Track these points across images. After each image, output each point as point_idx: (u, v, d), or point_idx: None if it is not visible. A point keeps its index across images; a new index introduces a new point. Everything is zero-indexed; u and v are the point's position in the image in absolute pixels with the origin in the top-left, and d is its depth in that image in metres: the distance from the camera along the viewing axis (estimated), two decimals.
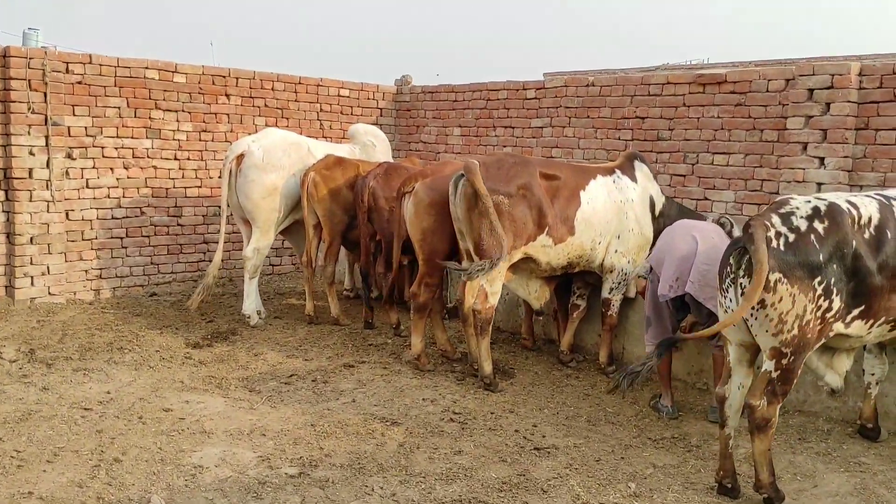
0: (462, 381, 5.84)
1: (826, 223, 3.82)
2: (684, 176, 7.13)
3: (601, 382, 5.96)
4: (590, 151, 7.83)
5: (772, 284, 3.73)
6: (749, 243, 3.75)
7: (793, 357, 3.85)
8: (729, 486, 4.15)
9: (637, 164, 6.03)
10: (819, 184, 6.14)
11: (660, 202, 6.02)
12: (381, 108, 10.13)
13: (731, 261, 3.93)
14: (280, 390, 5.49)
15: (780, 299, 3.74)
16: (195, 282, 8.61)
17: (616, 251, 5.88)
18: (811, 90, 6.16)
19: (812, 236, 3.78)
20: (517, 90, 8.64)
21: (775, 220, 3.85)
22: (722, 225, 5.30)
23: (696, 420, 5.26)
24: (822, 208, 3.86)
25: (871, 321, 4.02)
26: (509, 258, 5.51)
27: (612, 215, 5.81)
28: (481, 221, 5.39)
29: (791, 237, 3.78)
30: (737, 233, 5.17)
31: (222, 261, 8.79)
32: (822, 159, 6.13)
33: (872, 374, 4.72)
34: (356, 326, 7.24)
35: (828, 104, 6.07)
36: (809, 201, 3.92)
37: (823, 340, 3.97)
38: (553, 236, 5.63)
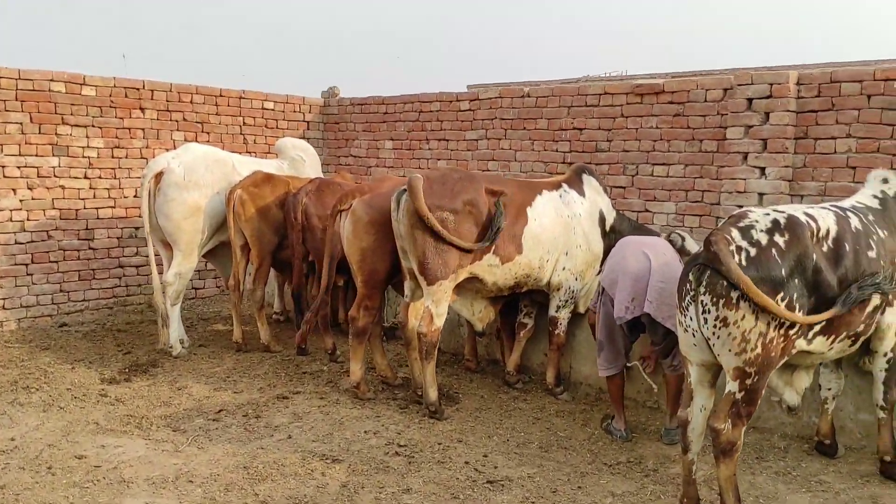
0: (405, 410, 5.50)
1: (787, 236, 3.66)
2: (624, 188, 7.00)
3: (550, 404, 5.72)
4: (527, 164, 7.64)
5: (733, 301, 3.55)
6: (717, 263, 3.56)
7: (757, 377, 3.68)
8: None
9: (585, 177, 5.83)
10: (761, 194, 6.07)
11: (610, 217, 5.83)
12: (307, 122, 9.73)
13: (691, 278, 3.73)
14: (207, 428, 5.05)
15: (743, 317, 3.56)
16: (110, 309, 8.04)
17: (564, 268, 5.65)
18: (750, 99, 6.10)
19: (773, 250, 3.62)
20: (450, 101, 8.39)
21: (735, 234, 3.67)
22: (673, 242, 5.14)
23: (650, 441, 5.07)
24: (782, 221, 3.70)
25: (832, 337, 3.89)
26: (455, 277, 5.22)
27: (559, 232, 5.59)
28: (426, 239, 5.09)
29: (752, 251, 3.61)
30: (689, 248, 5.03)
31: (139, 286, 8.30)
32: (762, 169, 6.07)
33: (829, 390, 4.61)
34: (289, 353, 6.81)
35: (767, 114, 6.02)
36: (768, 214, 3.76)
37: (786, 358, 3.81)
38: (500, 255, 5.37)
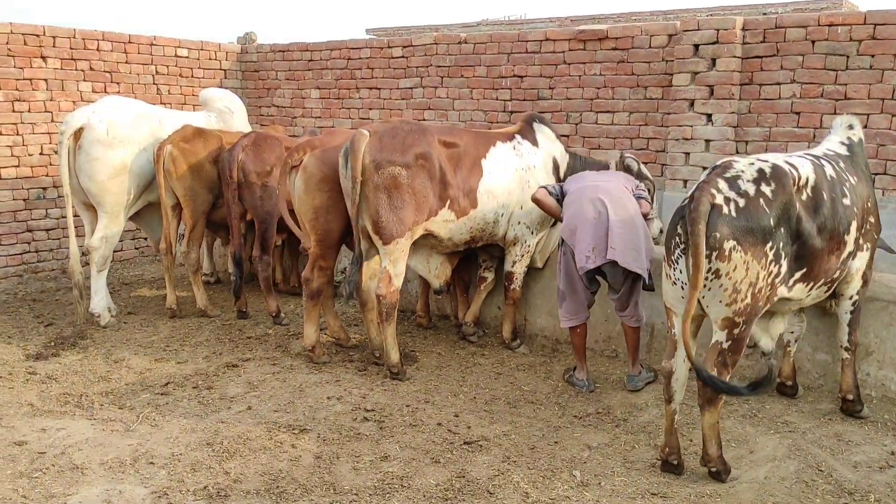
0: (365, 372, 5.31)
1: (773, 185, 3.64)
2: (568, 136, 6.89)
3: (509, 358, 5.65)
4: (465, 113, 7.42)
5: (726, 253, 3.51)
6: (690, 223, 3.51)
7: (744, 326, 3.68)
8: (675, 462, 3.96)
9: (537, 126, 5.67)
10: (707, 140, 6.10)
11: (564, 162, 5.71)
12: (224, 70, 9.15)
13: (679, 230, 3.67)
14: (157, 403, 4.71)
15: (735, 268, 3.53)
16: (20, 277, 7.41)
17: (519, 222, 5.52)
18: (696, 45, 6.07)
19: (761, 200, 3.59)
20: (381, 48, 8.03)
21: (722, 185, 3.62)
22: (628, 168, 5.12)
23: (615, 391, 5.08)
24: (768, 170, 3.67)
25: (811, 283, 3.94)
26: (411, 235, 5.01)
27: (514, 184, 5.44)
28: (378, 196, 4.84)
29: (741, 202, 3.57)
30: (644, 172, 5.18)
31: (50, 251, 7.69)
32: (709, 115, 6.09)
33: (792, 333, 4.71)
34: (228, 318, 6.46)
35: (713, 59, 6.01)
36: (753, 163, 3.72)
37: (768, 306, 3.83)
38: (455, 210, 5.18)
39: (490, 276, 5.92)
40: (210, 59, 8.96)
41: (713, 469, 3.88)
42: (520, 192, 5.48)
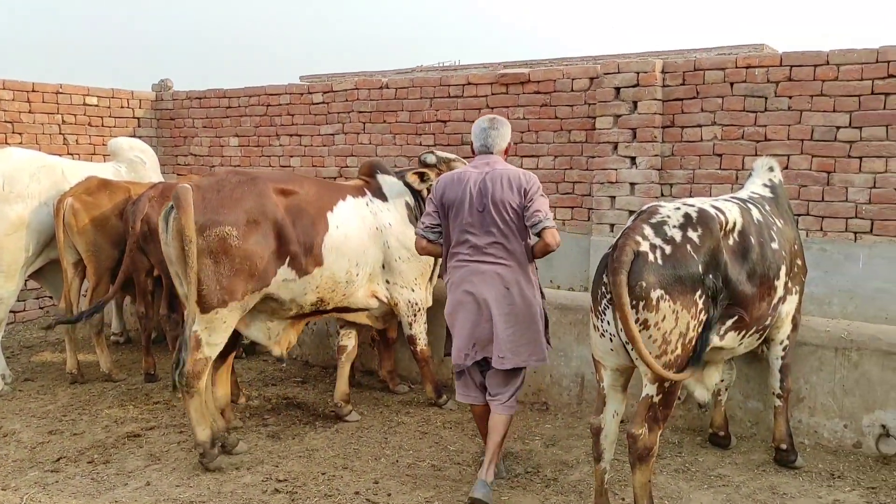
0: (279, 437, 4.94)
1: (700, 230, 3.50)
2: None
3: (435, 415, 5.36)
4: (389, 159, 7.21)
5: (653, 303, 3.33)
6: (611, 272, 3.32)
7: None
8: None
9: (381, 178, 5.26)
10: (632, 184, 6.01)
11: (412, 202, 5.30)
12: (138, 118, 8.76)
13: (605, 279, 3.48)
14: (45, 483, 4.25)
15: (664, 318, 3.36)
16: None
17: (393, 283, 5.18)
18: (617, 88, 6.01)
19: (688, 246, 3.44)
20: (301, 94, 7.80)
21: (648, 231, 3.46)
22: (426, 163, 5.16)
23: (544, 448, 4.83)
24: (694, 215, 3.54)
25: (743, 332, 3.80)
26: (241, 305, 4.43)
27: (369, 243, 4.97)
28: (202, 261, 4.27)
29: (668, 249, 3.41)
30: (455, 165, 5.10)
31: None
32: (633, 158, 6.00)
33: (722, 381, 4.56)
34: (135, 381, 6.01)
35: (635, 102, 5.95)
36: (679, 208, 3.59)
37: None
38: (296, 268, 4.61)
39: (350, 343, 5.36)
40: (122, 107, 8.57)
41: None
42: (377, 252, 5.05)
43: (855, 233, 5.28)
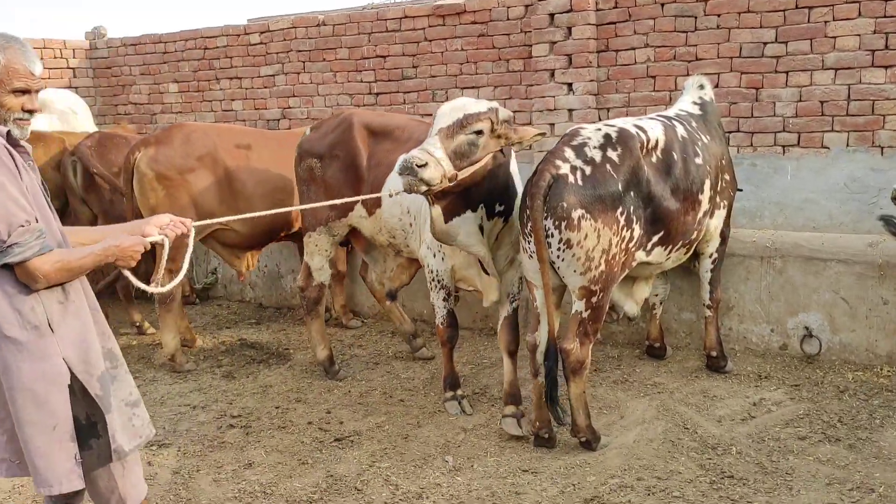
0: (233, 377, 5.06)
1: (619, 150, 3.61)
2: (433, 115, 6.75)
3: (387, 347, 5.52)
4: (331, 97, 7.18)
5: (575, 222, 3.46)
6: (528, 197, 3.44)
7: (602, 293, 3.65)
8: (546, 436, 3.93)
9: None
10: (570, 110, 6.06)
11: None
12: (73, 68, 8.55)
13: (529, 203, 3.59)
14: None
15: (586, 236, 3.49)
16: None
17: (423, 241, 4.46)
18: (552, 15, 6.02)
19: (608, 166, 3.56)
20: (238, 36, 7.66)
21: (569, 153, 3.56)
22: None
23: (492, 369, 5.01)
24: (613, 135, 3.64)
25: (669, 246, 3.95)
26: (327, 230, 4.82)
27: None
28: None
29: (588, 170, 3.52)
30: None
31: None
32: (570, 85, 6.06)
33: (656, 295, 4.75)
34: None
35: (569, 28, 5.97)
36: (599, 129, 3.69)
37: (627, 271, 3.82)
38: (366, 206, 4.66)
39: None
40: (55, 57, 8.36)
41: (583, 439, 3.86)
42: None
43: (783, 146, 5.42)
